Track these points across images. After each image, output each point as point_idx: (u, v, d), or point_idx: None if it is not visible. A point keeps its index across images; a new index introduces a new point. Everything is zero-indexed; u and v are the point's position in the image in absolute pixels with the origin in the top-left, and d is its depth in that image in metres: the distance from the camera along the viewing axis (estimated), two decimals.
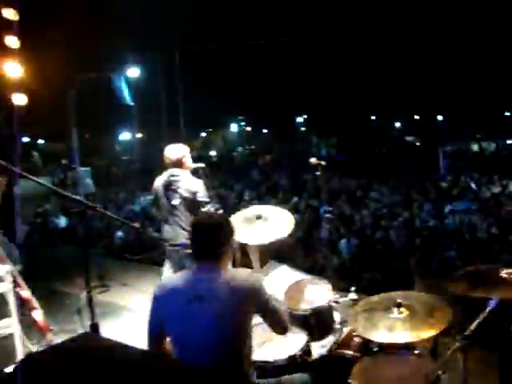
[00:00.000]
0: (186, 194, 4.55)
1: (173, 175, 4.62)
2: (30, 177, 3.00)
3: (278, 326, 2.69)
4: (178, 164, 4.66)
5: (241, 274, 2.58)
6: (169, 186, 4.63)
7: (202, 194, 4.58)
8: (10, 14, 7.73)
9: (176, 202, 4.58)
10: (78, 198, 2.76)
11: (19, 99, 8.10)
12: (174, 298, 2.51)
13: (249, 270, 2.63)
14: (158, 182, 4.76)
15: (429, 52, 31.71)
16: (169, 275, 4.68)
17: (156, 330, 2.56)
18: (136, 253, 10.37)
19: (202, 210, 4.50)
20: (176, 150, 4.72)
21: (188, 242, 4.50)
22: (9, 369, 3.75)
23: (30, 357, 1.49)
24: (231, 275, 2.56)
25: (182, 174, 4.63)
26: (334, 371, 3.25)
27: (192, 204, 4.56)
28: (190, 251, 4.48)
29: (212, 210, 4.53)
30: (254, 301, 2.51)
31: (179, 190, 4.58)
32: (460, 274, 3.02)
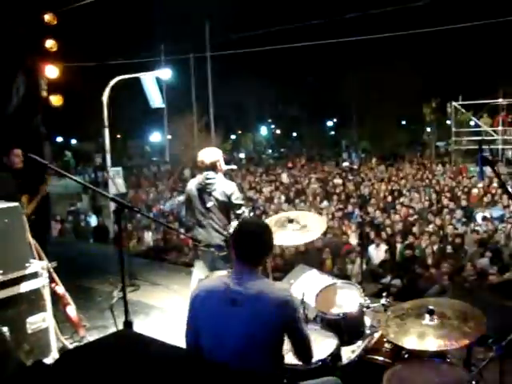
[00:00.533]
0: (220, 197, 4.59)
1: (208, 178, 4.66)
2: (71, 176, 3.07)
3: (302, 351, 2.70)
4: (213, 167, 4.69)
5: (277, 288, 2.59)
6: (203, 189, 4.67)
7: (237, 197, 4.62)
8: (50, 18, 7.97)
9: (210, 204, 4.62)
10: (116, 198, 2.82)
11: (56, 100, 8.32)
12: (211, 300, 2.56)
13: (286, 287, 2.65)
14: (192, 185, 4.81)
15: (456, 54, 31.30)
16: (199, 276, 4.73)
17: (193, 333, 2.60)
18: (165, 253, 10.50)
19: (237, 212, 4.55)
20: (211, 154, 4.75)
21: (222, 243, 4.55)
22: (48, 360, 3.86)
23: (71, 350, 1.53)
24: (268, 286, 2.58)
25: (217, 177, 4.67)
26: (364, 377, 3.24)
27: (226, 206, 4.61)
28: (223, 253, 4.55)
29: (246, 212, 4.56)
30: (284, 317, 2.51)
31: (214, 193, 4.62)
32: (496, 283, 2.97)
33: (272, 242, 2.70)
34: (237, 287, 2.53)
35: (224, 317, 2.49)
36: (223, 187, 4.63)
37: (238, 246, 2.66)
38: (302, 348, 2.69)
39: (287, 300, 2.53)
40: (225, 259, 4.56)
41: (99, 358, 1.42)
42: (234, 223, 4.58)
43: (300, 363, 3.01)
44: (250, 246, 2.62)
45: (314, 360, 3.06)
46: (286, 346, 2.66)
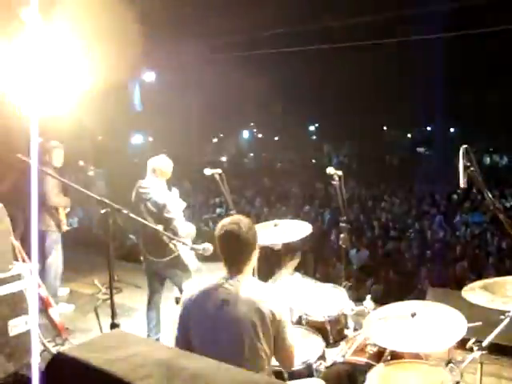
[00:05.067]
0: (152, 208, 4.48)
1: (141, 186, 4.56)
2: (57, 177, 3.06)
3: (284, 359, 2.69)
4: (153, 174, 4.60)
5: (267, 292, 2.59)
6: (137, 198, 4.58)
7: (168, 210, 4.47)
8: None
9: (144, 213, 4.47)
10: (104, 199, 2.82)
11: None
12: (202, 300, 2.58)
13: (275, 290, 2.65)
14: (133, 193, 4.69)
15: (442, 63, 31.65)
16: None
17: (183, 335, 2.62)
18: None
19: (170, 227, 4.43)
20: (157, 161, 4.67)
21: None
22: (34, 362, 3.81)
23: (63, 352, 1.54)
24: (258, 289, 2.59)
25: (152, 186, 4.55)
26: (348, 378, 3.28)
27: (159, 217, 4.46)
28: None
29: (178, 227, 4.45)
30: (271, 321, 2.51)
31: (147, 203, 4.51)
32: (477, 285, 3.03)
33: (255, 238, 2.68)
34: (227, 288, 2.55)
35: (214, 317, 2.52)
36: (156, 197, 4.48)
37: (221, 247, 2.65)
38: (285, 356, 2.68)
39: (276, 306, 2.54)
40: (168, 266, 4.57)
41: (94, 359, 1.44)
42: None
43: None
44: (233, 246, 2.61)
45: (299, 362, 3.10)
46: None
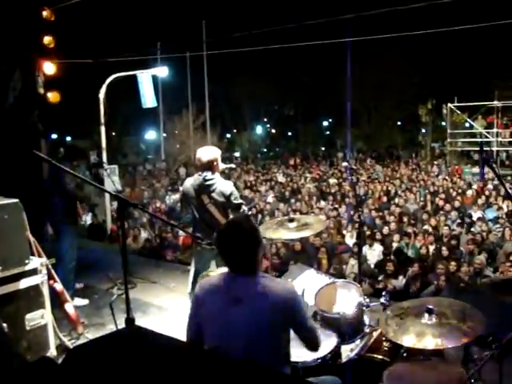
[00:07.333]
0: (219, 198, 4.61)
1: (206, 179, 4.64)
2: (74, 173, 3.07)
3: (310, 343, 2.75)
4: (209, 166, 4.69)
5: (281, 286, 2.56)
6: (201, 189, 4.65)
7: (235, 197, 4.65)
8: (47, 14, 7.96)
9: (208, 204, 4.62)
10: (119, 195, 2.82)
11: (53, 97, 8.30)
12: (213, 298, 2.53)
13: (288, 282, 2.64)
14: (188, 184, 4.80)
15: (452, 56, 31.37)
16: (198, 273, 4.75)
17: (195, 330, 2.60)
18: (161, 251, 10.49)
19: (238, 212, 4.58)
20: (208, 153, 4.76)
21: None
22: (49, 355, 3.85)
23: (79, 346, 1.54)
24: (270, 283, 2.54)
25: (215, 177, 4.68)
26: (363, 375, 3.26)
27: (224, 206, 4.63)
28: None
29: (246, 210, 4.60)
30: (289, 314, 2.51)
31: (212, 194, 4.62)
32: (499, 281, 2.98)
33: (259, 241, 2.59)
34: (239, 285, 2.51)
35: (226, 316, 2.47)
36: (221, 187, 4.64)
37: (223, 249, 2.59)
38: (309, 337, 2.72)
39: (291, 298, 2.52)
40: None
41: (112, 354, 1.43)
42: None
43: (300, 360, 3.04)
44: (236, 250, 2.53)
45: (313, 358, 3.08)
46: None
